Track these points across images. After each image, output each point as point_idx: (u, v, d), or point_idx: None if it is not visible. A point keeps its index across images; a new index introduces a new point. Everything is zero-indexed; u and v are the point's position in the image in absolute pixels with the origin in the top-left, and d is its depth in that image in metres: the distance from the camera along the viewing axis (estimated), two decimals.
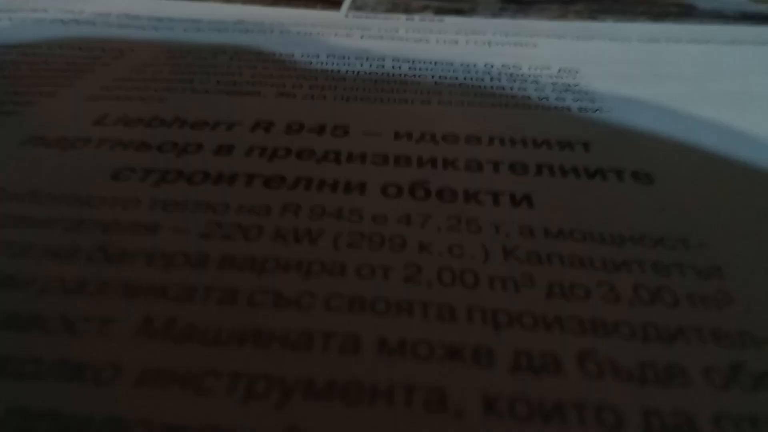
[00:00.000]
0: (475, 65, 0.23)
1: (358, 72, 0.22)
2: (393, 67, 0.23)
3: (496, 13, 0.33)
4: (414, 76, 0.22)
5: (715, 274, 0.12)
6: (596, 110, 0.19)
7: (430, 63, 0.24)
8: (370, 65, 0.23)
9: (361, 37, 0.28)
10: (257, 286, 0.11)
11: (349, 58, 0.24)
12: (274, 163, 0.15)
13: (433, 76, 0.22)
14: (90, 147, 0.15)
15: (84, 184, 0.14)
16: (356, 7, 0.34)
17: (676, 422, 0.08)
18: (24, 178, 0.14)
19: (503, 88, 0.21)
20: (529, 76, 0.22)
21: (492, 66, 0.23)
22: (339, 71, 0.22)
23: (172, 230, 0.12)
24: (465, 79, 0.22)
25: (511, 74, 0.23)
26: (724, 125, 0.18)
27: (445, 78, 0.22)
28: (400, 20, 0.31)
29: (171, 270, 0.11)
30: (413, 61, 0.24)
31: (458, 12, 0.33)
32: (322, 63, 0.23)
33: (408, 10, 0.33)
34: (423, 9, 0.34)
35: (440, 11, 0.33)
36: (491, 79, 0.22)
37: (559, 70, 0.23)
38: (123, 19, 0.29)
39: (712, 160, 0.16)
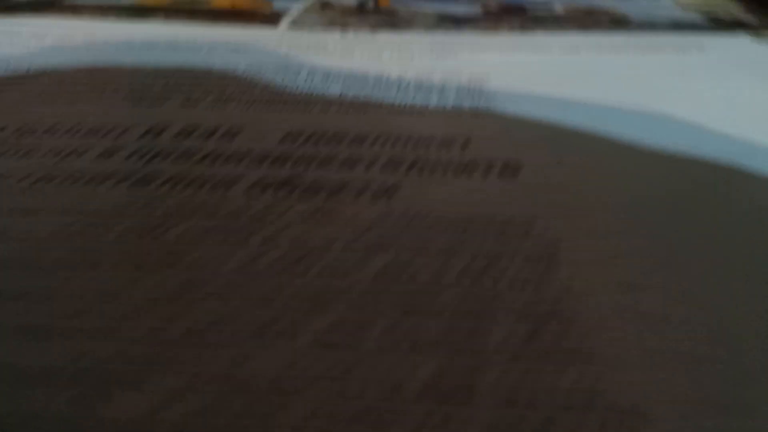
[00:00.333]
0: (388, 77, 0.24)
1: (269, 83, 0.23)
2: (306, 79, 0.24)
3: (430, 29, 0.34)
4: (324, 87, 0.23)
5: (546, 259, 0.12)
6: (486, 110, 0.20)
7: (345, 75, 0.24)
8: (284, 77, 0.24)
9: (287, 52, 0.28)
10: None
11: (266, 70, 0.25)
12: (150, 164, 0.15)
13: (341, 88, 0.23)
14: None
15: None
16: (294, 25, 0.35)
17: None
18: None
19: (406, 97, 0.22)
20: (438, 84, 0.23)
21: (404, 77, 0.24)
22: (250, 82, 0.23)
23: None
24: (373, 89, 0.22)
25: (420, 84, 0.23)
26: (606, 123, 0.19)
27: (353, 89, 0.22)
28: (333, 36, 0.32)
29: None
30: (329, 74, 0.24)
31: (394, 28, 0.34)
32: (237, 75, 0.24)
33: (345, 26, 0.34)
34: (359, 26, 0.35)
35: (376, 27, 0.34)
36: (398, 89, 0.23)
37: (469, 79, 0.24)
38: (58, 40, 0.30)
39: (581, 153, 0.17)
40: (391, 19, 0.36)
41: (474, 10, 0.39)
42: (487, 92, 0.22)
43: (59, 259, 0.11)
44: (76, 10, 0.36)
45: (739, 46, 0.30)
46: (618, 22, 0.36)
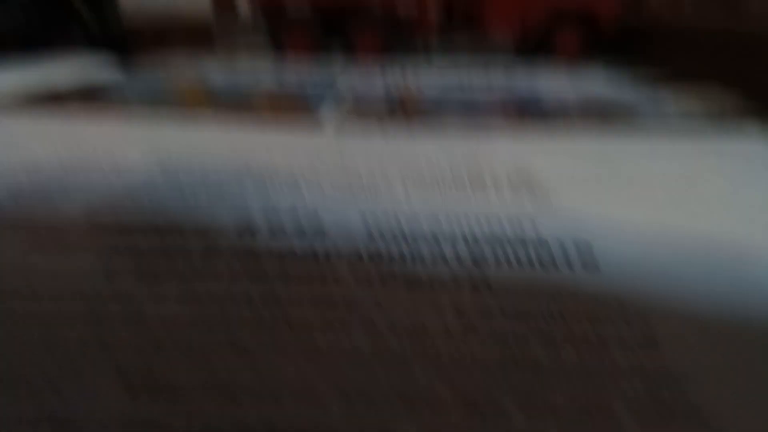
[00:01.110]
0: (439, 162, 0.26)
1: (334, 181, 0.25)
2: (367, 175, 0.26)
3: (464, 129, 0.37)
4: (385, 181, 0.25)
5: (651, 345, 0.13)
6: (553, 210, 0.21)
7: (403, 170, 0.26)
8: (346, 175, 0.26)
9: (340, 154, 0.30)
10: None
11: (327, 171, 0.26)
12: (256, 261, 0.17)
13: (403, 180, 0.24)
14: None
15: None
16: (337, 127, 0.37)
17: None
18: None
19: (464, 184, 0.23)
20: (489, 172, 0.25)
21: (456, 164, 0.26)
22: (316, 179, 0.25)
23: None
24: (430, 177, 0.24)
25: (472, 171, 0.25)
26: (674, 215, 0.21)
27: (415, 182, 0.24)
28: (376, 137, 0.35)
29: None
30: (387, 172, 0.26)
31: (429, 129, 0.37)
32: (301, 175, 0.26)
33: (384, 129, 0.37)
34: (397, 128, 0.37)
35: (413, 129, 0.37)
36: (451, 169, 0.24)
37: (517, 170, 0.26)
38: (120, 140, 0.32)
39: (657, 246, 0.18)
40: (425, 120, 0.39)
41: (496, 111, 0.43)
42: (543, 185, 0.24)
43: (177, 342, 0.12)
44: (130, 114, 0.39)
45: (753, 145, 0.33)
46: (633, 122, 0.39)
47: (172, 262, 0.16)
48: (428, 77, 0.57)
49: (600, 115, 0.41)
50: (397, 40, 0.81)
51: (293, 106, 0.43)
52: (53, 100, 0.43)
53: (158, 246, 0.17)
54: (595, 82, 0.58)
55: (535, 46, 0.82)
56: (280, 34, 0.79)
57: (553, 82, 0.57)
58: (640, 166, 0.28)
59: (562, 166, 0.27)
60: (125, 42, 0.71)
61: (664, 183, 0.25)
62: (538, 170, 0.26)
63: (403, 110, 0.45)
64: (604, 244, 0.17)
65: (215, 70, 0.56)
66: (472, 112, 0.44)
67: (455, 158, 0.28)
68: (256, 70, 0.57)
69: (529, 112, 0.44)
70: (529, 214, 0.20)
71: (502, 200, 0.22)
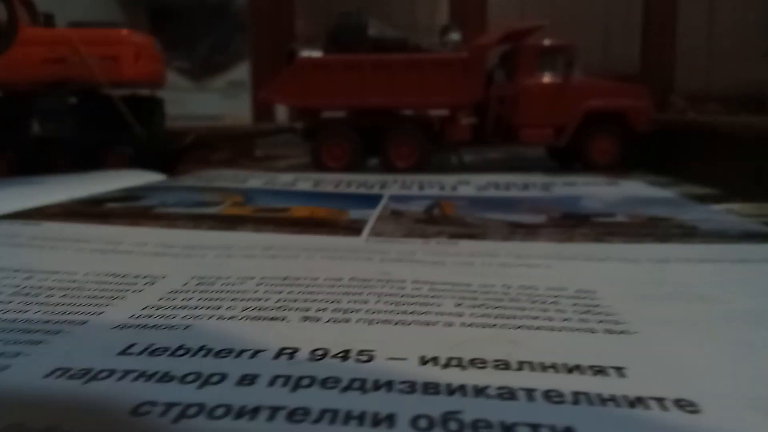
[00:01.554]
0: (493, 286, 0.24)
1: (380, 294, 0.23)
2: (413, 289, 0.24)
3: (507, 237, 0.35)
4: (434, 297, 0.23)
5: None
6: (622, 332, 0.19)
7: (449, 284, 0.24)
8: (391, 287, 0.24)
9: (381, 260, 0.29)
10: None
11: (370, 281, 0.25)
12: (297, 393, 0.15)
13: (453, 297, 0.23)
14: (113, 379, 0.15)
15: (103, 420, 0.13)
16: (375, 233, 0.36)
17: None
18: (43, 413, 0.13)
19: (524, 309, 0.21)
20: (548, 297, 0.23)
21: (510, 287, 0.24)
22: (361, 294, 0.23)
23: None
24: (485, 300, 0.22)
25: (530, 295, 0.23)
26: (758, 346, 0.18)
27: (465, 299, 0.22)
28: (416, 244, 0.33)
29: None
30: (432, 283, 0.24)
31: (471, 236, 0.35)
32: (344, 286, 0.24)
33: (424, 235, 0.36)
34: (437, 234, 0.36)
35: (454, 236, 0.35)
36: (511, 300, 0.22)
37: (576, 291, 0.24)
38: (159, 247, 0.31)
39: (757, 387, 0.15)
40: (465, 228, 0.38)
41: (539, 219, 0.41)
42: (607, 310, 0.21)
43: None
44: (170, 220, 0.39)
45: None
46: (688, 233, 0.36)
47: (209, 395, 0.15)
48: (464, 182, 0.57)
49: (657, 229, 0.39)
50: (432, 149, 0.84)
51: (331, 214, 0.42)
52: (99, 209, 0.43)
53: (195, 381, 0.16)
54: (635, 187, 0.56)
55: (569, 150, 0.83)
56: (318, 141, 0.83)
57: (593, 186, 0.56)
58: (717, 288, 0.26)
59: (631, 291, 0.24)
60: (172, 156, 0.74)
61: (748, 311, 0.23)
62: (599, 290, 0.24)
63: (441, 212, 0.44)
64: (710, 405, 0.14)
65: (255, 180, 0.57)
66: (511, 211, 0.43)
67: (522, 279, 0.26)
68: (295, 180, 0.58)
69: (572, 214, 0.42)
70: (616, 361, 0.17)
71: (565, 321, 0.20)
